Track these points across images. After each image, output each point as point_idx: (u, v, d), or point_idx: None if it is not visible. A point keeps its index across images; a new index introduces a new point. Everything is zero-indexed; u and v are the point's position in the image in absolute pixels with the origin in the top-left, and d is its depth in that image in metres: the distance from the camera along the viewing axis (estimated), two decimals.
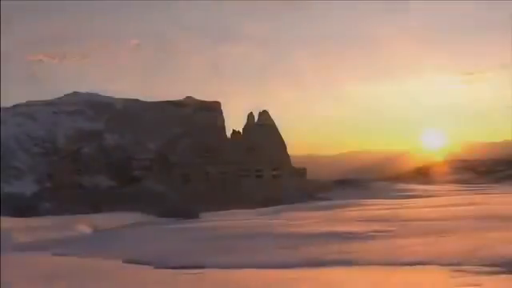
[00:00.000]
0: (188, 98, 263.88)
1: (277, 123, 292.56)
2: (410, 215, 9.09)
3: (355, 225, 8.12)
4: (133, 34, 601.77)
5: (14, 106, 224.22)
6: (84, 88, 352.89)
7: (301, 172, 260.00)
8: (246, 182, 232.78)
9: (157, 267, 6.48)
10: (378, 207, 13.28)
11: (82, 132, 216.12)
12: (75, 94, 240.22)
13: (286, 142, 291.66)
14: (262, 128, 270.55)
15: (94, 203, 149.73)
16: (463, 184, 38.57)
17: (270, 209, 21.85)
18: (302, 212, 16.00)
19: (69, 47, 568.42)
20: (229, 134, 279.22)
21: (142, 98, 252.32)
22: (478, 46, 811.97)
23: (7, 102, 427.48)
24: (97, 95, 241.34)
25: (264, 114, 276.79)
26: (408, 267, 4.66)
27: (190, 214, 18.45)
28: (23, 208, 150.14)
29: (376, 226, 7.69)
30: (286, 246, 6.47)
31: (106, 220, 31.45)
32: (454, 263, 4.64)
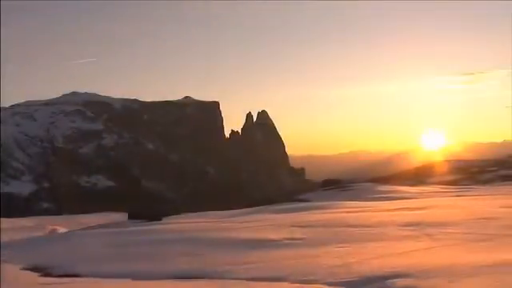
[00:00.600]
0: (187, 97, 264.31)
1: (276, 123, 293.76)
2: (352, 220, 8.97)
3: (286, 231, 8.00)
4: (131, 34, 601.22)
5: (13, 106, 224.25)
6: (83, 88, 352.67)
7: (299, 172, 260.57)
8: (244, 182, 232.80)
9: (42, 275, 6.33)
10: (339, 210, 13.19)
11: (81, 132, 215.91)
12: (74, 93, 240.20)
13: (285, 142, 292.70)
14: (261, 128, 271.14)
15: (92, 203, 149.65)
16: (451, 185, 38.32)
17: (245, 210, 21.82)
18: (266, 214, 15.93)
19: (68, 47, 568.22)
20: (227, 133, 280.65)
21: (140, 98, 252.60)
22: (478, 46, 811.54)
23: (6, 102, 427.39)
24: (95, 95, 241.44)
25: (263, 113, 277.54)
26: (265, 282, 4.54)
27: (154, 216, 18.25)
28: (21, 208, 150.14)
29: (301, 233, 7.56)
30: (194, 253, 6.36)
31: (88, 220, 31.26)
32: (308, 280, 4.49)
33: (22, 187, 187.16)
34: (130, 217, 21.29)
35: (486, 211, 11.03)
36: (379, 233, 8.40)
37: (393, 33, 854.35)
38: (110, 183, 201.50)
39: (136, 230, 12.46)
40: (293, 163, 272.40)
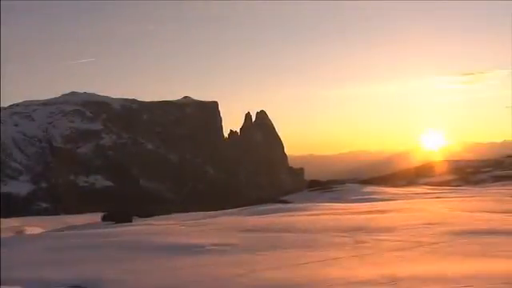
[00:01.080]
0: (186, 97, 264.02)
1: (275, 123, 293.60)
2: (302, 224, 8.71)
3: (226, 235, 7.79)
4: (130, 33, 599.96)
5: (11, 106, 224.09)
6: (82, 88, 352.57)
7: (298, 172, 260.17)
8: (243, 182, 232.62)
9: None
10: (303, 213, 13.00)
11: (79, 132, 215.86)
12: (73, 93, 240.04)
13: (285, 142, 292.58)
14: (260, 128, 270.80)
15: (90, 203, 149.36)
16: (442, 186, 38.21)
17: (225, 211, 21.82)
18: (236, 216, 15.75)
19: (68, 47, 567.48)
20: (226, 133, 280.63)
21: (139, 98, 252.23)
22: (478, 46, 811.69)
23: (4, 102, 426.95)
24: (94, 95, 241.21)
25: (261, 113, 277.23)
26: None
27: (124, 218, 18.12)
28: (19, 208, 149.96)
29: (236, 239, 7.33)
30: (108, 259, 6.16)
31: (73, 220, 31.10)
32: None
33: (20, 187, 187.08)
34: (104, 218, 21.04)
35: (443, 215, 10.72)
36: (312, 239, 8.11)
37: (393, 33, 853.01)
38: (109, 183, 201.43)
39: (90, 233, 12.23)
40: (293, 163, 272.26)
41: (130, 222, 18.48)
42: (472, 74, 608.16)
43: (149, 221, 20.18)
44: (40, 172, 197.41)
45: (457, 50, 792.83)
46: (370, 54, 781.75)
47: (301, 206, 20.72)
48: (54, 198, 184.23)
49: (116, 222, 18.72)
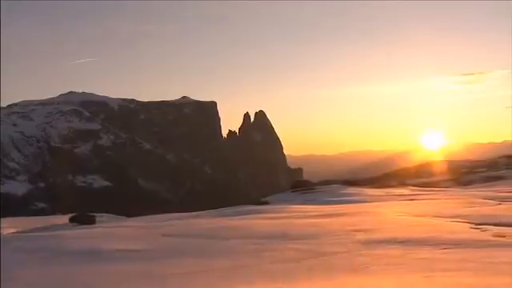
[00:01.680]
0: (184, 97, 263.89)
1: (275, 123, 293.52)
2: (241, 228, 8.54)
3: (145, 241, 7.60)
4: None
5: (9, 106, 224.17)
6: (80, 88, 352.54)
7: (297, 172, 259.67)
8: (241, 182, 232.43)
9: None
10: (258, 216, 12.85)
11: (78, 132, 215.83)
12: (71, 93, 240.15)
13: (284, 142, 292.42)
14: (258, 128, 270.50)
15: (88, 203, 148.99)
16: (428, 187, 38.05)
17: (201, 212, 21.71)
18: (201, 219, 15.49)
19: (66, 47, 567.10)
20: (225, 133, 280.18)
21: (137, 98, 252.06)
22: (478, 46, 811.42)
23: (3, 102, 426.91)
24: (93, 95, 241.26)
25: (260, 113, 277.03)
26: None
27: (87, 220, 18.04)
28: (16, 208, 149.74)
29: (156, 244, 7.15)
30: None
31: (59, 220, 30.93)
32: None
33: (18, 187, 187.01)
34: (71, 220, 20.83)
35: (383, 220, 10.45)
36: (227, 246, 7.85)
37: (393, 33, 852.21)
38: (107, 183, 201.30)
39: (33, 236, 12.04)
40: (293, 163, 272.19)
41: (93, 223, 18.32)
42: (472, 74, 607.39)
43: (119, 222, 19.94)
44: (38, 172, 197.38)
45: (457, 50, 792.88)
46: (371, 54, 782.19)
47: (268, 208, 20.48)
48: (51, 198, 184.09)
49: (79, 224, 18.55)
